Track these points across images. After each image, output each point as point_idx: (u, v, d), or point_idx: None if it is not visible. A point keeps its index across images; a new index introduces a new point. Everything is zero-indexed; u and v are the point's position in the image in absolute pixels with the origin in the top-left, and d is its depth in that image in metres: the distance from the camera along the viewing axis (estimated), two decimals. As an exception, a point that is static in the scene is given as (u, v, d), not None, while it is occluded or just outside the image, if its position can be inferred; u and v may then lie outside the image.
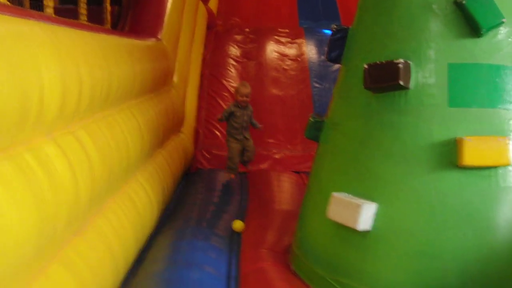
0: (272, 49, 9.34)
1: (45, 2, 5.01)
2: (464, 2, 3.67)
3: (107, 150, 3.76)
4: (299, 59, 9.27)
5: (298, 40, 9.51)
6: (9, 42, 2.53)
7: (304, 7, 10.63)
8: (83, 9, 5.87)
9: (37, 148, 2.76)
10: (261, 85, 8.91)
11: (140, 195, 4.64)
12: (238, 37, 9.44)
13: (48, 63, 2.87)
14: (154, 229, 5.05)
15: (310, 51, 9.34)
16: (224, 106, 8.54)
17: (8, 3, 4.18)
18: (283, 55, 9.29)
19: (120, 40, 4.80)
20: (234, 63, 9.13)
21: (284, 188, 6.66)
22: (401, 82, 3.72)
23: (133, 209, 4.35)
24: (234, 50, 9.25)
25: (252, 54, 9.25)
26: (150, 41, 6.20)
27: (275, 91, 8.84)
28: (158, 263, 4.17)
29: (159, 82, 6.09)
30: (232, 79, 8.94)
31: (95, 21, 6.40)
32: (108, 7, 6.77)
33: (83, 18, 5.85)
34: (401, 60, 3.74)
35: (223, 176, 7.26)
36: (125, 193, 4.34)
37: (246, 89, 7.20)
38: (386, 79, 3.80)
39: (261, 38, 9.44)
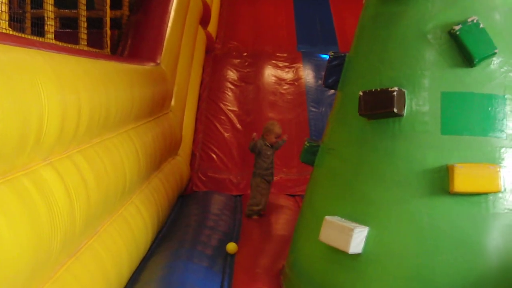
0: (269, 73, 9.44)
1: (46, 28, 5.07)
2: (458, 32, 3.75)
3: (103, 174, 3.81)
4: (296, 83, 9.36)
5: (295, 65, 9.62)
6: (10, 70, 2.61)
7: (302, 31, 10.78)
8: (83, 34, 5.92)
9: (35, 173, 2.81)
10: (259, 109, 9.00)
11: (135, 218, 4.68)
12: (236, 61, 9.55)
13: (48, 90, 2.94)
14: (148, 251, 5.08)
15: (308, 75, 9.44)
16: (221, 129, 8.63)
17: (10, 29, 4.23)
18: (281, 79, 9.39)
19: (119, 66, 4.87)
20: (232, 86, 9.21)
21: (278, 211, 6.68)
22: (395, 110, 3.79)
23: (128, 231, 4.39)
24: (232, 74, 9.35)
25: (250, 78, 9.34)
26: (149, 66, 6.27)
27: (272, 114, 8.90)
28: (151, 284, 4.20)
29: (157, 106, 6.15)
30: (230, 103, 9.02)
31: (95, 45, 6.44)
32: (108, 31, 6.82)
33: (83, 43, 5.90)
34: (396, 88, 3.81)
35: (218, 199, 7.28)
36: (120, 215, 4.38)
37: (280, 130, 6.84)
38: (380, 106, 3.87)
39: (259, 62, 9.55)
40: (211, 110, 8.91)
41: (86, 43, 5.92)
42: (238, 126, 8.80)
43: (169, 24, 7.22)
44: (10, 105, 2.48)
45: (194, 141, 8.50)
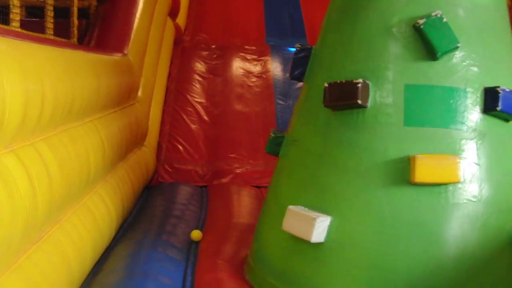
0: (237, 66, 9.44)
1: (11, 16, 5.02)
2: (421, 26, 3.82)
3: (67, 162, 3.79)
4: (264, 76, 9.38)
5: (263, 58, 9.63)
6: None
7: (271, 24, 10.78)
8: (49, 23, 5.86)
9: (-4, 159, 2.80)
10: (226, 101, 9.01)
11: (99, 207, 4.67)
12: (205, 53, 9.52)
13: (11, 78, 2.91)
14: (112, 240, 5.08)
15: (275, 68, 9.47)
16: (188, 121, 8.63)
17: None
18: (249, 72, 9.40)
19: (85, 55, 4.84)
20: (199, 78, 9.20)
21: (243, 202, 6.73)
22: (359, 101, 3.85)
23: (91, 221, 4.38)
24: (200, 66, 9.33)
25: (218, 70, 9.33)
26: (116, 56, 6.24)
27: (239, 107, 8.94)
28: (114, 274, 4.20)
29: (123, 96, 6.13)
30: (197, 95, 9.01)
31: (62, 34, 6.38)
32: (75, 21, 6.76)
33: (50, 32, 5.84)
34: (360, 80, 3.87)
35: (184, 189, 7.30)
36: (84, 205, 4.37)
37: None
38: (345, 97, 3.93)
39: (227, 55, 9.54)
40: (179, 102, 8.89)
41: (52, 33, 5.87)
42: (205, 118, 8.80)
43: (137, 15, 7.17)
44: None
45: (161, 132, 8.49)
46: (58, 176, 3.54)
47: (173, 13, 9.36)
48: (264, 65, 9.55)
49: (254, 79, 9.35)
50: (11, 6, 4.98)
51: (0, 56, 2.88)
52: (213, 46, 9.70)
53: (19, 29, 4.91)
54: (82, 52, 4.85)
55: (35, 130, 3.33)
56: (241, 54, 9.61)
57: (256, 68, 9.48)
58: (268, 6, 11.21)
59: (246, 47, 9.77)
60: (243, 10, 11.08)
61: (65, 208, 3.87)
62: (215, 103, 8.97)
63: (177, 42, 9.76)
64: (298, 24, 10.88)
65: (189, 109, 8.83)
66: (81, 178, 4.12)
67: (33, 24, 6.55)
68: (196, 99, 8.95)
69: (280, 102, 9.08)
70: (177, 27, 9.73)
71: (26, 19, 7.30)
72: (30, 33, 4.88)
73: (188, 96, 8.97)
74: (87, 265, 4.14)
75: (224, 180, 8.14)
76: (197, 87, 9.09)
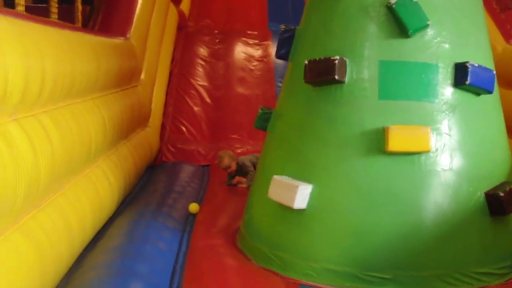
0: (239, 50, 9.75)
1: (16, 1, 5.31)
2: (394, 6, 4.10)
3: (68, 134, 4.11)
4: (265, 60, 9.69)
5: (265, 42, 9.93)
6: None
7: (274, 10, 11.03)
8: (54, 7, 6.17)
9: (1, 126, 3.12)
10: (228, 84, 9.35)
11: (101, 180, 4.99)
12: (207, 38, 9.84)
13: (13, 54, 3.23)
14: (114, 212, 5.42)
15: (276, 52, 9.72)
16: (191, 103, 8.98)
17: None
18: (250, 56, 9.71)
19: (86, 37, 5.16)
20: (202, 62, 9.52)
21: (242, 179, 7.02)
22: (337, 77, 4.15)
23: (93, 191, 4.70)
24: (203, 50, 9.64)
25: (220, 55, 9.65)
26: (118, 40, 6.55)
27: (241, 90, 9.26)
28: (115, 238, 4.54)
29: (125, 78, 6.44)
30: (200, 78, 9.34)
31: (66, 19, 6.67)
32: (79, 6, 7.08)
33: (54, 16, 6.14)
34: (337, 57, 4.16)
35: (187, 168, 7.62)
36: (86, 176, 4.69)
37: (227, 162, 6.91)
38: (323, 73, 4.23)
39: (230, 39, 9.85)
40: (182, 85, 9.23)
41: (57, 17, 6.17)
42: (208, 100, 9.14)
43: (139, 1, 7.49)
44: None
45: (165, 114, 8.84)
46: (60, 145, 3.86)
47: (176, -1, 9.67)
48: (266, 49, 9.84)
49: (255, 63, 9.66)
50: (16, -10, 5.29)
51: (3, 34, 3.19)
52: (216, 31, 10.01)
53: (24, 13, 5.21)
54: (82, 34, 5.15)
55: (36, 103, 3.64)
56: (243, 39, 9.91)
57: (257, 52, 9.79)
58: (271, -8, 11.47)
59: (249, 32, 10.06)
60: (247, -4, 11.36)
61: (67, 177, 4.19)
62: (217, 86, 9.30)
63: (181, 27, 10.06)
64: (300, 9, 11.07)
65: (192, 91, 9.16)
66: (82, 150, 4.44)
67: (38, 9, 6.86)
68: (199, 82, 9.27)
69: (281, 84, 9.30)
70: (180, 13, 10.03)
71: (32, 4, 7.63)
72: (34, 16, 5.17)
73: (191, 80, 9.30)
74: (88, 230, 4.46)
75: (225, 160, 8.45)
76: (200, 70, 9.41)
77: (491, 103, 4.37)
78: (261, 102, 9.08)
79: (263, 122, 4.85)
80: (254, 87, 9.38)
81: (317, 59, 4.26)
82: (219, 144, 8.53)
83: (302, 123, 4.38)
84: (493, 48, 4.73)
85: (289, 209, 4.18)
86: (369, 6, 4.24)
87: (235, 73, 9.50)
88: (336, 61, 4.14)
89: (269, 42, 9.92)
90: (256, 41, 9.94)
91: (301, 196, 4.12)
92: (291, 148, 4.40)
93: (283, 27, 4.83)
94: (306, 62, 4.30)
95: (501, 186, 4.17)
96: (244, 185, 6.74)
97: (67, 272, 4.02)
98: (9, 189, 3.04)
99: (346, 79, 4.18)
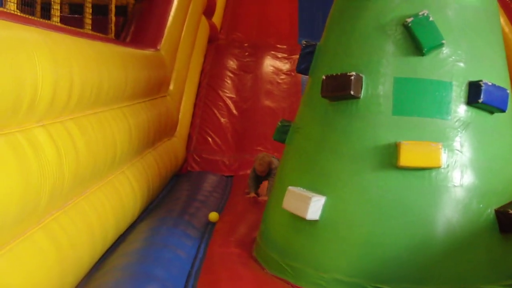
0: (268, 64, 9.93)
1: (52, 12, 5.56)
2: (410, 24, 4.22)
3: (93, 140, 4.31)
4: (293, 74, 9.83)
5: (294, 56, 10.05)
6: (10, 43, 3.14)
7: (304, 25, 11.19)
8: (88, 19, 6.41)
9: (28, 131, 3.33)
10: (256, 97, 9.54)
11: (124, 186, 5.18)
12: (237, 51, 10.04)
13: (43, 63, 3.44)
14: (136, 218, 5.60)
15: (305, 67, 9.87)
16: (218, 115, 9.17)
17: (18, 11, 4.71)
18: (278, 70, 9.89)
19: (115, 48, 5.38)
20: (231, 75, 9.71)
21: (263, 191, 7.15)
22: (352, 92, 4.28)
23: (116, 197, 4.89)
24: (232, 63, 9.84)
25: (249, 67, 9.84)
26: (148, 51, 6.78)
27: (267, 102, 9.45)
28: (136, 243, 4.71)
29: (153, 88, 6.65)
30: (228, 90, 9.54)
31: (100, 30, 6.90)
32: (113, 18, 7.32)
33: (88, 27, 6.39)
34: (354, 73, 4.30)
35: (211, 178, 7.80)
36: (110, 182, 4.89)
37: (260, 167, 7.00)
38: (339, 89, 4.37)
39: (259, 53, 10.04)
40: (210, 96, 9.44)
41: (90, 28, 6.41)
42: (235, 112, 9.34)
43: (171, 13, 7.72)
44: (8, 71, 2.98)
45: (192, 124, 9.05)
46: (84, 151, 4.06)
47: (208, 12, 9.87)
48: (294, 64, 9.94)
49: (283, 76, 9.83)
50: (52, 2, 5.54)
51: (34, 45, 3.40)
52: (246, 44, 10.19)
53: (58, 24, 5.45)
54: (111, 45, 5.37)
55: (64, 110, 3.85)
56: (272, 52, 10.09)
57: (285, 66, 9.96)
58: (302, 8, 11.63)
59: (278, 46, 10.23)
60: (278, 11, 11.52)
61: (90, 181, 4.38)
62: (244, 98, 9.49)
63: (212, 39, 10.27)
64: (329, 25, 11.22)
65: (220, 103, 9.36)
66: (106, 156, 4.64)
67: (73, 20, 7.11)
68: (227, 94, 9.47)
69: (307, 98, 9.50)
70: (212, 26, 10.24)
71: (68, 15, 7.90)
72: (67, 27, 5.41)
73: (219, 91, 9.50)
74: (109, 234, 4.64)
75: (249, 171, 8.58)
76: (228, 82, 9.61)
77: (504, 120, 4.45)
78: (287, 115, 9.25)
79: (282, 134, 4.99)
80: (281, 100, 9.56)
81: (334, 74, 4.41)
82: (244, 155, 8.73)
83: (318, 136, 4.51)
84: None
85: (302, 220, 4.31)
86: (386, 25, 4.36)
87: (263, 86, 9.68)
88: (352, 77, 4.28)
89: (298, 57, 10.03)
90: (285, 55, 10.11)
91: (314, 207, 4.25)
92: (307, 160, 4.54)
93: (305, 42, 4.99)
94: (324, 77, 4.45)
95: (511, 203, 4.24)
96: (265, 198, 6.87)
97: (87, 274, 4.20)
98: (33, 190, 3.24)
99: (362, 95, 4.31)
